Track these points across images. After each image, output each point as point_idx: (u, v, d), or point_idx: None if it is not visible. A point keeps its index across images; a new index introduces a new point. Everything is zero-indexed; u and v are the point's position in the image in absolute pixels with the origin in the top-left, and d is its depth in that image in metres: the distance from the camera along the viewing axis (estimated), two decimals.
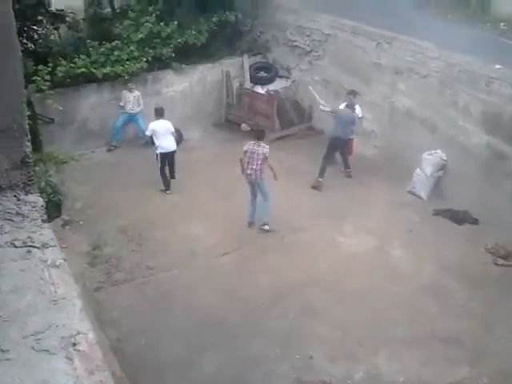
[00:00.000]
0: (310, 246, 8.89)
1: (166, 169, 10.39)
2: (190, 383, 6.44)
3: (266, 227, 9.25)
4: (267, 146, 9.16)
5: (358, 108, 10.70)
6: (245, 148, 9.16)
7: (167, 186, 10.45)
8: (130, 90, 11.88)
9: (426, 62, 10.18)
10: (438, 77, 9.99)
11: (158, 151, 10.22)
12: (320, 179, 10.49)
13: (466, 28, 11.06)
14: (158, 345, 6.94)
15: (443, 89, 9.94)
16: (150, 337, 7.07)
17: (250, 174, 9.09)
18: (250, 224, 9.44)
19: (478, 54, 9.51)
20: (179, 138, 10.95)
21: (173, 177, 10.53)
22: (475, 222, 9.42)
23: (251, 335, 7.11)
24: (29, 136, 2.00)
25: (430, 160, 10.01)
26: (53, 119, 11.20)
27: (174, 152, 10.32)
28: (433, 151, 10.05)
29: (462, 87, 9.56)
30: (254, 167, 9.01)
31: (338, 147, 10.62)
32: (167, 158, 10.30)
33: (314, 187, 10.49)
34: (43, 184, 9.14)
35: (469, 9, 12.86)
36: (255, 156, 9.00)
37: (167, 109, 12.19)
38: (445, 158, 10.00)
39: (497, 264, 8.46)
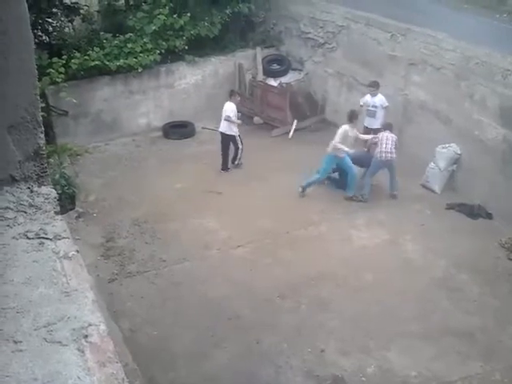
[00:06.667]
0: (322, 239, 8.87)
1: (230, 151, 10.83)
2: (202, 375, 6.46)
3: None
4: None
5: (382, 98, 10.58)
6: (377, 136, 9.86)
7: (223, 165, 10.83)
8: None
9: (440, 54, 10.05)
10: (453, 69, 9.86)
11: None
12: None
13: (482, 18, 10.91)
14: (170, 336, 6.98)
15: (458, 81, 9.80)
16: (162, 328, 7.12)
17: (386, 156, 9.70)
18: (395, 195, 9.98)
19: (494, 45, 9.35)
20: (192, 130, 10.95)
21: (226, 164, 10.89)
22: (489, 216, 9.31)
23: (263, 328, 7.12)
24: (42, 128, 2.00)
25: (444, 153, 9.91)
26: (67, 112, 11.27)
27: (223, 134, 10.67)
28: (447, 144, 9.94)
29: (478, 80, 9.42)
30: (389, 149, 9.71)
31: None
32: (221, 139, 10.74)
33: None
34: (57, 176, 9.23)
35: None
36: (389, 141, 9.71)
37: (179, 101, 12.28)
38: (459, 152, 9.88)
39: (510, 259, 8.38)
